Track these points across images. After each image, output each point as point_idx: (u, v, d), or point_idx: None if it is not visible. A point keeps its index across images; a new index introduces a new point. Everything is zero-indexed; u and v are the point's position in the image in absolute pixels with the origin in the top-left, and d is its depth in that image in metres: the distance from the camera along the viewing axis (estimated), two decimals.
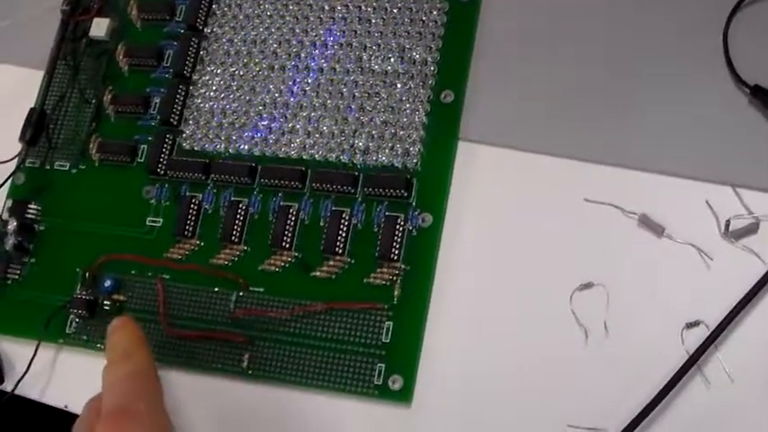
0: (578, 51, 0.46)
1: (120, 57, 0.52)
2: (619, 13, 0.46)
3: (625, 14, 0.46)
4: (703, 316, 0.40)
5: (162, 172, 0.49)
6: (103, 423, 0.37)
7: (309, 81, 0.48)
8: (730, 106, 0.43)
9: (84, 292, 0.48)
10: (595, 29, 0.46)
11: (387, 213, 0.45)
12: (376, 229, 0.45)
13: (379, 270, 0.44)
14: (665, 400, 0.39)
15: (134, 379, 0.39)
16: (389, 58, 0.47)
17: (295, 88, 0.48)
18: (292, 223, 0.46)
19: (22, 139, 0.51)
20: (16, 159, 0.52)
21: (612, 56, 0.45)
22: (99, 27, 0.53)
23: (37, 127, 0.51)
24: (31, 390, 0.49)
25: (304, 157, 0.47)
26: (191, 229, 0.48)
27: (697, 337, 0.40)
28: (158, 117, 0.50)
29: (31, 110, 0.52)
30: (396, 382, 0.43)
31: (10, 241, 0.50)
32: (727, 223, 0.41)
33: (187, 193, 0.48)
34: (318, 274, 0.45)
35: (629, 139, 0.44)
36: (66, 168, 0.52)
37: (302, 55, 0.49)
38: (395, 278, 0.44)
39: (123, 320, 0.43)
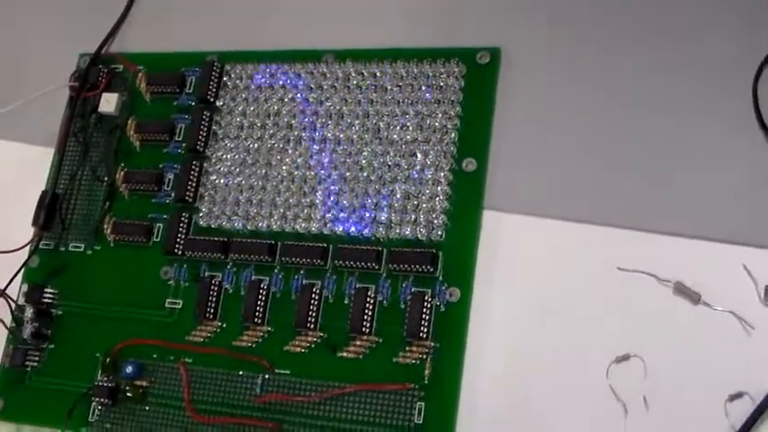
0: (605, 114, 0.45)
1: (131, 132, 0.51)
2: (646, 74, 0.45)
3: (652, 75, 0.44)
4: (747, 387, 0.39)
5: (179, 252, 0.48)
6: None
7: (326, 153, 0.47)
8: (764, 166, 0.42)
9: (105, 379, 0.47)
10: (622, 90, 0.45)
11: (413, 289, 0.44)
12: (403, 306, 0.44)
13: (407, 349, 0.43)
14: None
15: None
16: (408, 126, 0.46)
17: (312, 161, 0.47)
18: (316, 302, 0.45)
19: (35, 223, 0.51)
20: (29, 245, 0.51)
21: (641, 118, 0.44)
22: (108, 102, 0.52)
23: (50, 210, 0.50)
24: None
25: (325, 232, 0.46)
26: (212, 310, 0.47)
27: (741, 409, 0.39)
28: (173, 194, 0.49)
29: (44, 193, 0.51)
30: None
31: (28, 329, 0.49)
32: (767, 288, 0.40)
33: (206, 274, 0.47)
34: (345, 354, 0.44)
35: (661, 203, 0.43)
36: (82, 250, 0.51)
37: (318, 126, 0.48)
38: (424, 356, 0.43)
39: None
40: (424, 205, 0.45)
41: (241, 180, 0.48)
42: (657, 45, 0.45)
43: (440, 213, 0.44)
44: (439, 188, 0.45)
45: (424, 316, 0.43)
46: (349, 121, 0.47)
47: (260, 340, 0.46)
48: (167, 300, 0.48)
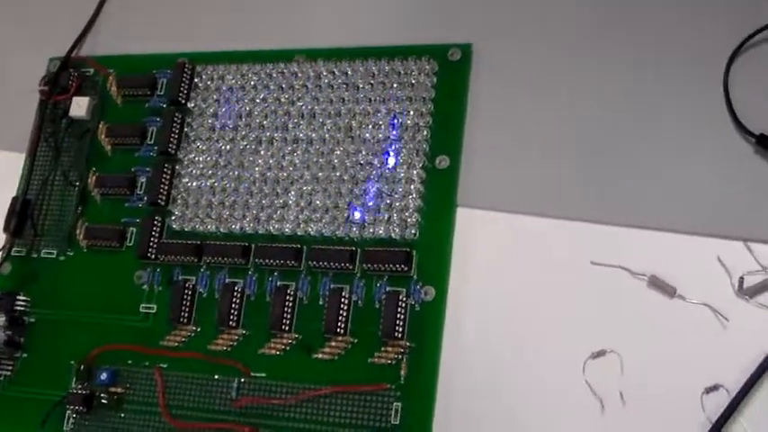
0: (576, 109, 0.45)
1: (102, 136, 0.51)
2: (617, 69, 0.44)
3: (623, 71, 0.44)
4: (722, 379, 0.39)
5: (152, 256, 0.48)
6: None
7: (299, 153, 0.47)
8: (736, 158, 0.42)
9: (79, 386, 0.47)
10: (593, 86, 0.45)
11: (387, 289, 0.44)
12: (377, 306, 0.44)
13: (383, 349, 0.43)
14: None
15: None
16: (380, 125, 0.46)
17: (284, 162, 0.47)
18: (290, 303, 0.45)
19: (6, 230, 0.50)
20: (1, 251, 0.50)
21: (612, 113, 0.44)
22: (79, 106, 0.52)
23: (21, 216, 0.50)
24: None
25: (298, 233, 0.45)
26: (186, 314, 0.46)
27: (717, 401, 0.39)
28: (145, 198, 0.49)
29: (14, 199, 0.51)
30: None
31: (0, 337, 0.48)
32: (741, 280, 0.40)
33: (180, 277, 0.47)
34: (321, 356, 0.44)
35: (634, 197, 0.42)
36: (54, 256, 0.50)
37: (290, 126, 0.47)
38: (400, 356, 0.43)
39: None
40: (398, 204, 0.44)
41: (213, 182, 0.48)
42: (628, 40, 0.45)
43: (413, 212, 0.44)
44: (412, 186, 0.44)
45: (399, 315, 0.43)
46: (321, 120, 0.47)
47: (235, 343, 0.45)
48: (141, 304, 0.47)
